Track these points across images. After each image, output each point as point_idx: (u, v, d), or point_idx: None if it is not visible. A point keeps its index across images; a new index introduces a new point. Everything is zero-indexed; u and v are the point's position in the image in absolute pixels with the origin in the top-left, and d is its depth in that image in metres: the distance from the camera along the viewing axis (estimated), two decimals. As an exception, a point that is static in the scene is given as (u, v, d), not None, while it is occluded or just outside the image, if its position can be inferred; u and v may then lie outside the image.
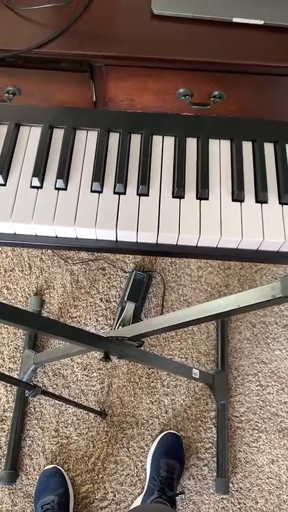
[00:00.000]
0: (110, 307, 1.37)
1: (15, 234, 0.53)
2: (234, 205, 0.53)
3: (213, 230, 0.52)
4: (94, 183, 0.52)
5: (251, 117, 0.61)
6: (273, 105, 0.76)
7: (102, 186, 0.53)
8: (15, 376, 1.28)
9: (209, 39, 0.71)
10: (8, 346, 1.32)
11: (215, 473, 1.20)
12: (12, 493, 1.18)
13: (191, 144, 0.57)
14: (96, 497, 1.18)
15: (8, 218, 0.51)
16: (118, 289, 1.39)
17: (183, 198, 0.53)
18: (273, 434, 1.25)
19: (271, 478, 1.21)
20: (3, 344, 1.32)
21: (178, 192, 0.53)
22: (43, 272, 1.41)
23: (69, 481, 1.18)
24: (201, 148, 0.55)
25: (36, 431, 1.24)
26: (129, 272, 1.40)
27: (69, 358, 1.30)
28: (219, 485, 1.18)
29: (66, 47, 0.69)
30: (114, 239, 0.53)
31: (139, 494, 1.18)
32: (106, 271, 1.42)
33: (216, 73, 0.75)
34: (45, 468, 1.18)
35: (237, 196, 0.53)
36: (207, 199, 0.53)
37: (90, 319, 1.35)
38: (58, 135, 0.56)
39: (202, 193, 0.53)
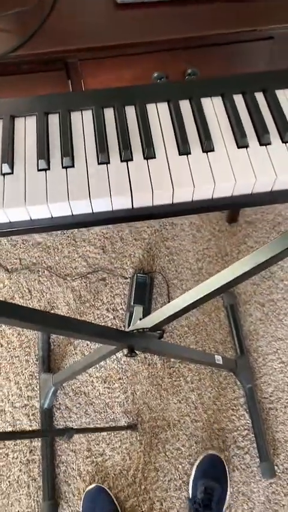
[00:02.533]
0: (118, 316, 1.35)
1: (31, 219, 0.52)
2: (241, 151, 0.54)
3: (227, 177, 0.52)
4: (100, 154, 0.53)
5: (237, 73, 0.63)
6: (245, 71, 0.78)
7: (108, 157, 0.53)
8: (36, 404, 1.24)
9: (173, 18, 0.74)
10: (23, 374, 1.28)
11: (258, 460, 1.17)
12: (56, 524, 1.12)
13: (185, 105, 0.58)
14: (143, 509, 1.14)
15: (22, 203, 0.50)
16: (122, 296, 1.38)
17: (190, 153, 0.54)
18: (306, 408, 1.24)
19: (314, 452, 1.19)
20: (17, 373, 1.28)
21: (184, 148, 0.54)
22: (44, 294, 1.39)
23: (113, 497, 1.13)
24: (196, 106, 0.56)
25: (68, 455, 1.19)
26: (129, 277, 1.39)
27: (87, 374, 1.27)
28: (264, 469, 1.15)
29: (38, 47, 0.70)
30: (130, 206, 0.53)
31: (186, 497, 1.14)
32: (107, 281, 1.40)
33: (185, 50, 0.78)
34: (87, 490, 1.13)
35: (242, 142, 0.55)
36: (213, 150, 0.54)
37: (100, 331, 1.33)
38: (54, 120, 0.57)
39: (207, 146, 0.53)
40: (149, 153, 0.53)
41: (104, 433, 1.21)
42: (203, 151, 0.54)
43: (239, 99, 0.60)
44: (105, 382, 1.26)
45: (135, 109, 0.57)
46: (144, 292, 1.33)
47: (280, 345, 1.31)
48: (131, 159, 0.53)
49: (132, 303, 1.31)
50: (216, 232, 1.47)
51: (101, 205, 0.51)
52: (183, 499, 1.14)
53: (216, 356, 1.13)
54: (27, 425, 1.22)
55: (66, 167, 0.53)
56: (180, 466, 1.18)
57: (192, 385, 1.26)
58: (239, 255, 1.44)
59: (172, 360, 1.29)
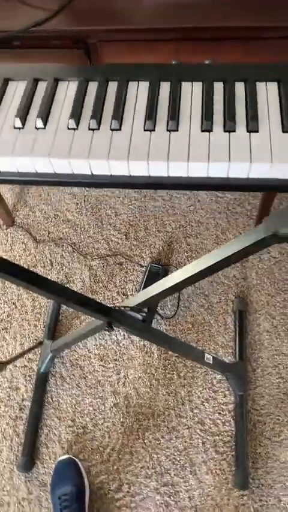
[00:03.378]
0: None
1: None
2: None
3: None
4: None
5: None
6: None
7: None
8: (34, 367, 1.31)
9: (199, 7, 0.76)
10: (29, 337, 1.36)
11: (234, 468, 1.15)
12: (29, 481, 1.18)
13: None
14: (111, 488, 1.16)
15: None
16: (134, 283, 1.41)
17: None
18: (296, 429, 1.19)
19: (295, 475, 1.14)
20: (24, 336, 1.36)
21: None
22: (63, 268, 1.46)
23: (84, 472, 1.17)
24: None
25: (53, 420, 1.25)
26: (145, 266, 1.42)
27: (86, 349, 1.32)
28: (237, 479, 1.13)
29: (61, 24, 0.76)
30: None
31: (154, 487, 1.15)
32: (123, 266, 1.44)
33: (205, 41, 0.80)
34: (60, 458, 1.18)
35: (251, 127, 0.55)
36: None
37: (107, 312, 1.37)
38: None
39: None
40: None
41: (90, 408, 1.25)
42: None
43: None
44: (101, 360, 1.31)
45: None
46: (155, 282, 1.35)
47: (283, 360, 1.27)
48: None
49: (141, 290, 1.34)
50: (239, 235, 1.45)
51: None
52: (151, 488, 1.15)
53: (206, 354, 1.12)
54: (22, 384, 1.30)
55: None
56: (155, 456, 1.18)
57: (184, 381, 1.26)
58: (260, 263, 1.41)
59: (170, 352, 1.30)
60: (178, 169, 0.56)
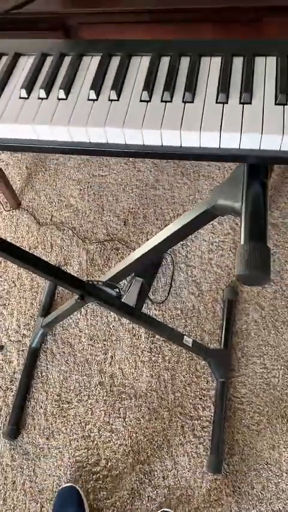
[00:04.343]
0: (119, 284, 1.42)
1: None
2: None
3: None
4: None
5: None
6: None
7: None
8: (28, 343, 1.37)
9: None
10: (25, 314, 1.42)
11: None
12: (13, 449, 1.24)
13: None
14: (90, 462, 1.20)
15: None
16: (129, 268, 1.44)
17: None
18: (276, 419, 1.18)
19: (270, 464, 1.14)
20: (21, 312, 1.42)
21: (282, 99, 0.54)
22: (62, 250, 1.51)
23: (85, 499, 1.15)
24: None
25: (41, 394, 1.30)
26: (141, 252, 1.45)
27: (78, 329, 1.36)
28: (211, 463, 1.14)
29: (41, 7, 0.80)
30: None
31: (130, 464, 1.18)
32: (120, 251, 1.48)
33: (178, 23, 0.82)
34: (62, 486, 1.17)
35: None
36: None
37: (101, 294, 1.41)
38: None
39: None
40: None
41: (76, 384, 1.29)
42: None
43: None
44: (91, 340, 1.35)
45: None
46: (148, 267, 1.38)
47: (268, 351, 1.27)
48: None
49: (133, 274, 1.37)
50: (237, 227, 1.45)
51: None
52: (127, 464, 1.18)
53: (185, 337, 1.14)
54: (15, 358, 1.36)
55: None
56: (134, 435, 1.21)
57: (168, 365, 1.28)
58: (254, 254, 1.40)
59: (157, 336, 1.32)
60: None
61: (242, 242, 0.51)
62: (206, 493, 1.13)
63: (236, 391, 1.23)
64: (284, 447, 1.15)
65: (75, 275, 1.43)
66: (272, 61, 0.59)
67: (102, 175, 1.63)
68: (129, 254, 1.45)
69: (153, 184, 1.59)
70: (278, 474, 1.13)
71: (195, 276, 1.41)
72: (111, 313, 1.38)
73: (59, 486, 1.17)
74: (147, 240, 1.47)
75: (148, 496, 1.14)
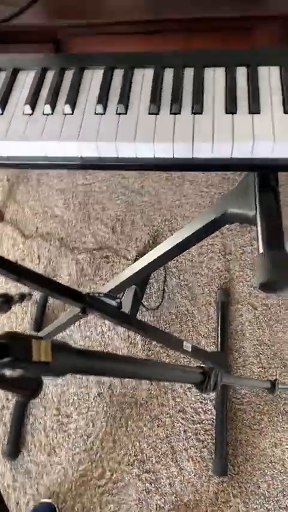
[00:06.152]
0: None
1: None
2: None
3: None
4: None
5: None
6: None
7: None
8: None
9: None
10: (16, 329, 1.39)
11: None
12: (14, 468, 1.21)
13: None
14: (94, 475, 1.18)
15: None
16: (120, 276, 1.43)
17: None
18: (276, 417, 1.20)
19: (274, 462, 1.16)
20: (11, 328, 1.39)
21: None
22: (51, 262, 1.49)
23: None
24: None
25: (39, 409, 1.27)
26: (132, 259, 1.45)
27: (72, 341, 1.35)
28: (216, 466, 1.14)
29: (30, 20, 0.79)
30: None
31: (136, 474, 1.17)
32: (110, 260, 1.47)
33: (173, 33, 0.82)
34: (41, 501, 1.16)
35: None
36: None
37: (93, 304, 1.40)
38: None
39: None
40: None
41: (75, 397, 1.27)
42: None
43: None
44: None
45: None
46: (139, 274, 1.38)
47: (264, 350, 1.29)
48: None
49: (125, 282, 1.36)
50: (226, 230, 1.47)
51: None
52: (133, 474, 1.17)
53: (185, 343, 1.14)
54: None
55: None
56: (137, 444, 1.21)
57: (166, 371, 1.28)
58: (243, 255, 1.43)
59: (153, 343, 1.32)
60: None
61: (261, 251, 0.52)
62: (214, 496, 1.14)
63: (236, 392, 1.24)
64: (287, 444, 1.17)
65: (66, 286, 1.42)
66: (275, 71, 0.60)
67: (86, 184, 1.62)
68: (119, 262, 1.45)
69: (138, 190, 1.59)
70: (282, 471, 1.15)
71: (187, 280, 1.41)
72: (105, 322, 1.37)
73: (65, 503, 1.15)
74: (137, 246, 1.47)
75: (156, 505, 1.14)
